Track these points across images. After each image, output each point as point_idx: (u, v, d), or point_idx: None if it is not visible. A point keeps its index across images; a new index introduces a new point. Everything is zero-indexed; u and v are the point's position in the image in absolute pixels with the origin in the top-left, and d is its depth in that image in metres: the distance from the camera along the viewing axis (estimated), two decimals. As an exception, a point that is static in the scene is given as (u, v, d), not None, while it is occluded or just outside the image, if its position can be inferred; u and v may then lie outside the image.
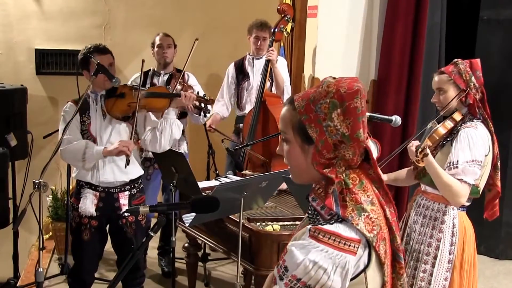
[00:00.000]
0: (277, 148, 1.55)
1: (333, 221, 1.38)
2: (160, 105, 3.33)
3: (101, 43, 3.31)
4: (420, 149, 2.67)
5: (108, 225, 3.34)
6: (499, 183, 2.92)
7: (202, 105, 3.59)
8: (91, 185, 3.23)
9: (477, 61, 2.88)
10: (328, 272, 1.32)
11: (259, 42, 4.63)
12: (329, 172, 1.42)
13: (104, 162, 3.21)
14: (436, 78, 2.91)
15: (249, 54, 4.77)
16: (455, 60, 2.91)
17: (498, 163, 2.88)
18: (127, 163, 3.10)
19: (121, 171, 3.22)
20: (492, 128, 2.83)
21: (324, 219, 1.40)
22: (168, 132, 3.25)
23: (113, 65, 3.28)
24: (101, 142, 3.21)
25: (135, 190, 3.33)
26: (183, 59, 3.93)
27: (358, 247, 1.36)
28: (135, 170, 3.32)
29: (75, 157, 3.15)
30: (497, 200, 2.99)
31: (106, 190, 3.23)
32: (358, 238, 1.36)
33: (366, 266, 1.39)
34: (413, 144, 2.81)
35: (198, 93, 3.52)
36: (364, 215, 1.38)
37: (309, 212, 1.50)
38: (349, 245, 1.35)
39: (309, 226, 1.39)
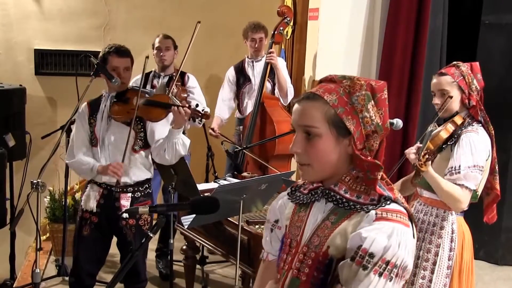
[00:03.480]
0: (291, 146, 1.51)
1: (389, 201, 1.44)
2: (155, 115, 3.21)
3: (124, 45, 3.26)
4: (422, 153, 2.61)
5: (110, 227, 3.29)
6: (498, 187, 2.89)
7: (197, 120, 3.42)
8: (96, 181, 3.23)
9: (477, 64, 2.85)
10: (407, 248, 1.39)
11: (256, 44, 4.65)
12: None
13: (106, 161, 3.18)
14: (437, 79, 2.84)
15: (247, 57, 4.77)
16: (455, 62, 2.86)
17: (496, 167, 2.85)
18: (117, 183, 3.14)
19: (124, 172, 3.18)
20: (493, 132, 2.79)
21: (365, 204, 1.45)
22: (172, 150, 3.16)
23: (130, 69, 3.24)
24: (103, 144, 3.19)
25: (139, 194, 3.27)
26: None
27: (408, 220, 1.45)
28: (141, 173, 3.27)
29: (86, 173, 3.23)
30: (495, 204, 2.97)
31: (109, 188, 3.22)
32: (406, 213, 1.45)
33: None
34: (411, 149, 2.73)
35: (197, 105, 3.30)
36: (401, 196, 1.49)
37: (341, 205, 1.49)
38: (405, 220, 1.43)
39: (372, 211, 1.42)
